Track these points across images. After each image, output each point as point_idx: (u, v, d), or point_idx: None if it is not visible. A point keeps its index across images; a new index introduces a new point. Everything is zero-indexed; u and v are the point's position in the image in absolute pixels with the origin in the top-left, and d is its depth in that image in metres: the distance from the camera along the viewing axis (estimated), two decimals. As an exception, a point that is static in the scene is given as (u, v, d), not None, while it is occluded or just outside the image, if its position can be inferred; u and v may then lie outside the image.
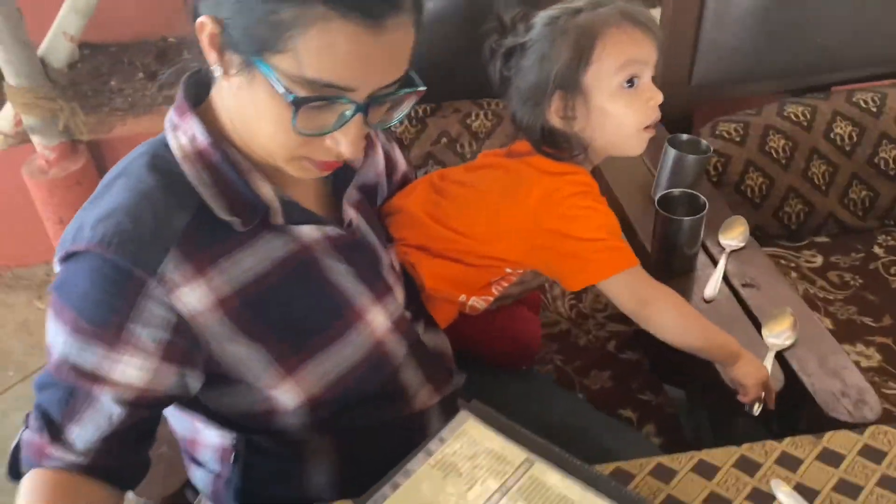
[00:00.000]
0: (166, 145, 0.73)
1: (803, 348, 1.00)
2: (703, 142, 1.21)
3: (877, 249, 1.40)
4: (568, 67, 0.86)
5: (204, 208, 0.72)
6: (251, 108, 0.68)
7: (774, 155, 1.42)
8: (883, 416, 1.08)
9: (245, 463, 0.85)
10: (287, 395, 0.78)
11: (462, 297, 0.96)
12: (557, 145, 0.91)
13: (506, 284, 0.98)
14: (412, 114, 1.40)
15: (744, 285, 1.10)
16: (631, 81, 0.87)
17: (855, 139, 1.43)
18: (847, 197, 1.44)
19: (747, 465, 0.77)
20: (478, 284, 0.96)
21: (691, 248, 1.10)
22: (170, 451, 0.93)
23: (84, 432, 0.72)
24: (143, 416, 0.74)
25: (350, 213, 0.85)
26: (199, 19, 0.65)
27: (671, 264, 1.12)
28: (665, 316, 0.91)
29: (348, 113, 0.66)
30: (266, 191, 0.74)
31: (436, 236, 0.94)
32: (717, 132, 1.43)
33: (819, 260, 1.39)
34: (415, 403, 0.89)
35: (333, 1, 0.60)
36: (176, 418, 0.88)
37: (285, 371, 0.77)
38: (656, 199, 1.10)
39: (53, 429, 0.72)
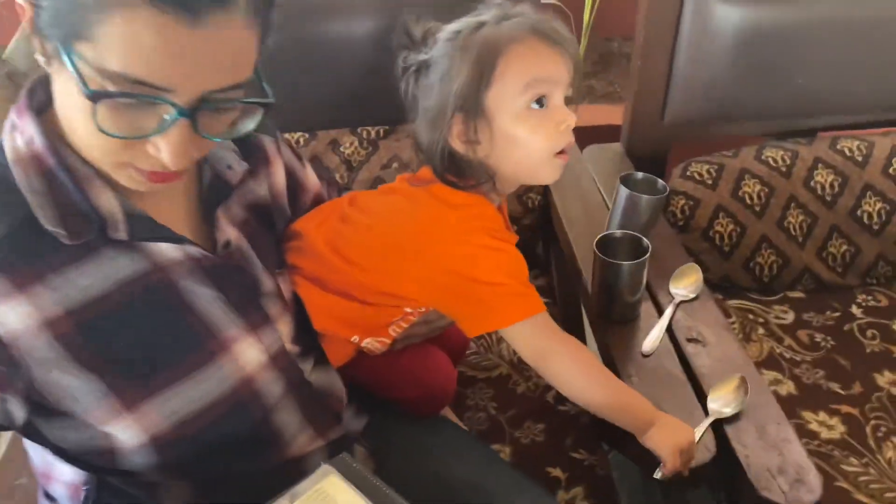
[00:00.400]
0: (1, 149, 0.66)
1: (744, 416, 0.90)
2: (660, 181, 1.12)
3: (854, 309, 1.29)
4: (468, 87, 0.78)
5: (31, 218, 0.64)
6: (68, 105, 0.60)
7: (748, 201, 1.32)
8: (835, 496, 0.98)
9: (96, 503, 0.77)
10: (126, 434, 0.70)
11: (355, 338, 0.88)
12: (461, 172, 0.83)
13: (405, 325, 0.90)
14: (364, 135, 1.34)
15: (689, 340, 1.01)
16: (540, 102, 0.79)
17: (837, 189, 1.33)
18: (825, 251, 1.34)
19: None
20: (373, 325, 0.88)
21: (632, 295, 1.01)
22: (28, 483, 0.85)
23: None
24: None
25: (228, 233, 0.77)
26: (18, 0, 0.58)
27: (611, 311, 1.03)
28: (564, 370, 0.83)
29: (168, 117, 0.58)
30: (106, 201, 0.66)
31: (331, 268, 0.85)
32: (688, 173, 1.34)
33: (790, 316, 1.28)
34: (291, 448, 0.81)
35: None
36: (33, 449, 0.80)
37: (122, 406, 0.69)
38: (595, 241, 1.01)
39: None
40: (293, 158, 0.92)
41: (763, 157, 1.34)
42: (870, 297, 1.32)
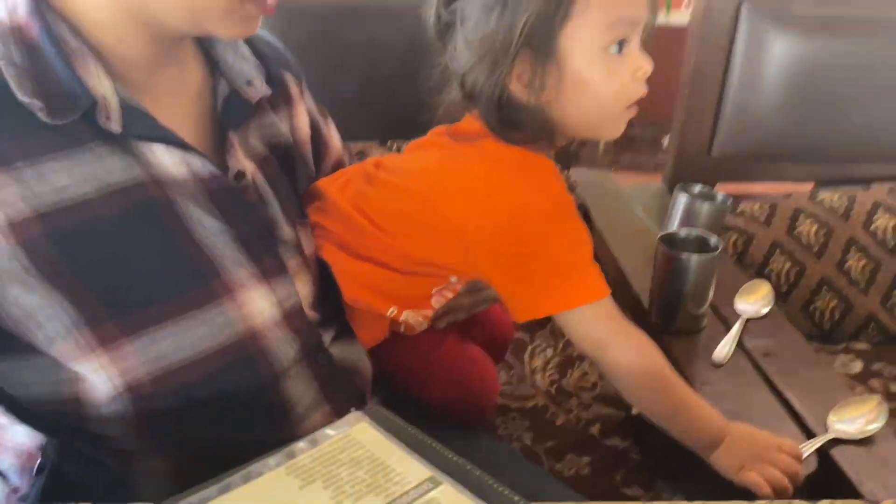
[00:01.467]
0: None
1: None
2: (721, 194, 1.03)
3: (929, 364, 1.16)
4: (540, 19, 0.67)
5: (5, 93, 0.53)
6: None
7: (804, 240, 1.22)
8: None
9: (53, 475, 0.61)
10: (98, 377, 0.56)
11: (392, 311, 0.75)
12: (517, 123, 0.71)
13: (450, 295, 0.77)
14: (393, 148, 1.25)
15: (766, 355, 0.87)
16: (619, 45, 0.69)
17: (900, 235, 1.23)
18: (891, 300, 1.22)
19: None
20: (412, 295, 0.76)
21: (699, 299, 0.89)
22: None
23: None
24: None
25: (244, 164, 0.66)
26: None
27: (674, 321, 0.90)
28: (624, 364, 0.71)
29: None
30: (99, 82, 0.56)
31: (360, 232, 0.74)
32: (738, 210, 1.24)
33: (858, 365, 1.15)
34: (303, 426, 0.66)
35: None
36: None
37: (96, 341, 0.55)
38: (659, 236, 0.90)
39: None
40: (315, 109, 0.82)
41: (818, 199, 1.26)
42: (942, 353, 1.19)
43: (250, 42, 0.71)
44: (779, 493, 0.67)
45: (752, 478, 0.68)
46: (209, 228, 0.61)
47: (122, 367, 0.56)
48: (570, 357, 1.13)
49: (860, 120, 1.26)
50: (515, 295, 0.72)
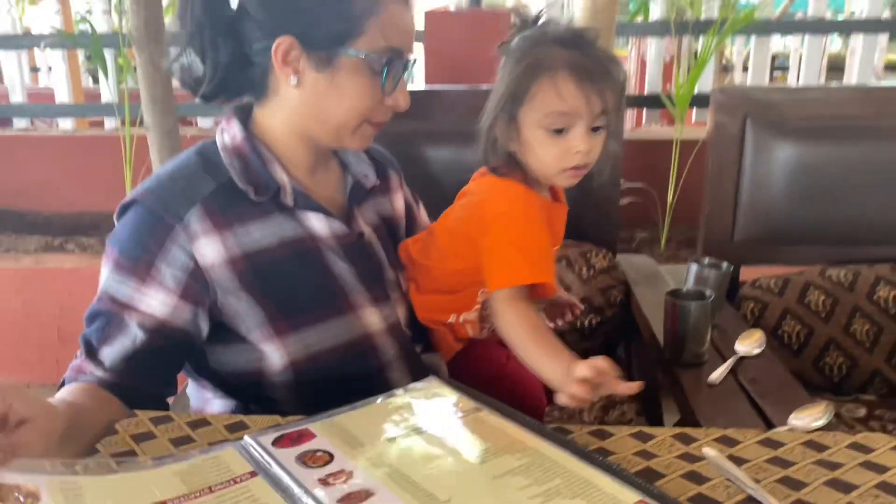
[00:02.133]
0: (213, 142, 0.96)
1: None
2: (724, 263, 1.30)
3: (929, 411, 1.34)
4: (509, 96, 0.92)
5: (230, 183, 0.92)
6: (331, 93, 0.90)
7: (814, 307, 1.45)
8: None
9: None
10: (274, 356, 0.91)
11: (452, 317, 1.05)
12: (501, 158, 0.97)
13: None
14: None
15: (751, 380, 1.12)
16: (560, 130, 0.92)
17: (900, 304, 1.45)
18: (894, 358, 1.42)
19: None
20: (461, 303, 1.04)
21: (700, 337, 1.15)
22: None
23: (112, 351, 0.88)
24: (160, 344, 0.88)
25: (363, 227, 1.02)
26: (277, 41, 0.87)
27: (682, 355, 1.16)
28: (505, 319, 0.93)
29: (401, 72, 0.92)
30: (281, 176, 0.94)
31: (422, 272, 1.05)
32: (756, 284, 1.50)
33: (862, 411, 1.35)
34: None
35: None
36: (193, 394, 1.01)
37: (274, 332, 0.91)
38: (666, 291, 1.18)
39: (91, 351, 0.88)
40: (410, 196, 1.18)
41: (826, 275, 1.50)
42: (944, 404, 1.37)
43: (367, 150, 1.09)
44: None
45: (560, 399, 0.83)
46: (340, 267, 0.96)
47: (289, 349, 0.91)
48: (612, 399, 1.39)
49: (856, 209, 1.51)
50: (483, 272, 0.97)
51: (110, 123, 3.49)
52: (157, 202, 0.89)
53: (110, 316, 0.88)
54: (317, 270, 0.95)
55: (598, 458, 0.69)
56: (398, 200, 1.14)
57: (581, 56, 0.92)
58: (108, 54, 3.22)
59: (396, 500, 0.63)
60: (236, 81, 0.94)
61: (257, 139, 0.95)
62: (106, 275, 0.90)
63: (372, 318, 0.98)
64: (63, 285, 2.65)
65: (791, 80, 6.17)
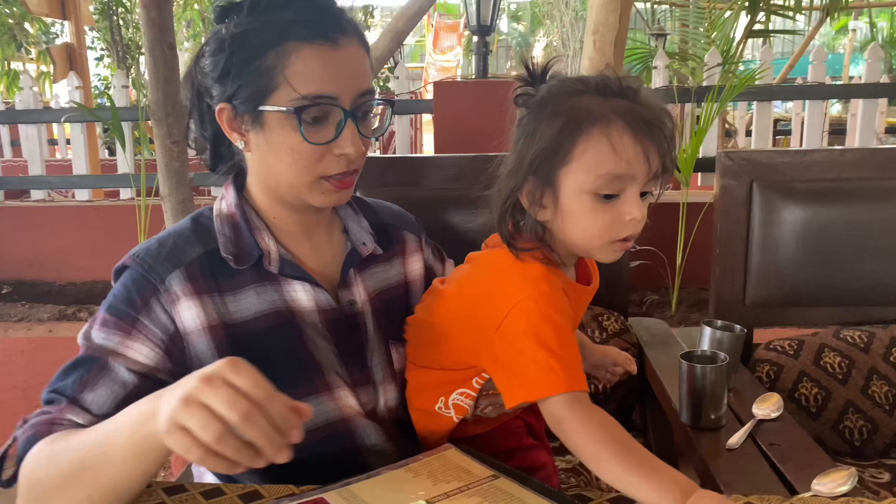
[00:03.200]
0: (211, 209, 0.97)
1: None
2: (737, 326, 1.30)
3: (953, 475, 1.31)
4: (546, 155, 0.80)
5: (217, 251, 0.92)
6: (270, 152, 0.89)
7: (830, 370, 1.44)
8: None
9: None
10: None
11: (440, 403, 0.94)
12: (522, 229, 0.85)
13: (488, 376, 0.91)
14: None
15: (771, 444, 1.10)
16: (609, 197, 0.79)
17: (917, 365, 1.44)
18: (916, 421, 1.40)
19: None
20: (454, 380, 0.93)
21: (716, 400, 1.14)
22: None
23: (98, 397, 0.84)
24: (151, 388, 0.80)
25: (355, 294, 0.98)
26: (217, 107, 0.89)
27: (700, 419, 1.15)
28: (578, 434, 0.78)
29: (342, 121, 0.87)
30: (268, 242, 0.93)
31: (421, 344, 0.97)
32: (770, 346, 1.49)
33: (886, 476, 1.32)
34: None
35: (297, 36, 0.84)
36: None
37: None
38: (680, 354, 1.18)
39: (66, 401, 0.84)
40: (434, 259, 1.14)
41: (841, 336, 1.49)
42: (969, 468, 1.34)
43: (375, 213, 1.08)
44: None
45: None
46: (320, 346, 0.93)
47: None
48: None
49: (866, 270, 1.51)
50: (500, 382, 0.85)
51: (126, 193, 3.57)
52: (142, 265, 0.90)
53: (92, 363, 0.85)
54: (294, 346, 0.92)
55: (619, 526, 0.68)
56: (414, 264, 1.10)
57: (635, 106, 0.79)
58: (125, 127, 3.32)
59: (415, 571, 0.62)
60: (224, 153, 0.97)
61: (249, 205, 0.96)
62: (91, 332, 0.88)
63: (348, 402, 0.94)
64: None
65: (794, 144, 6.26)
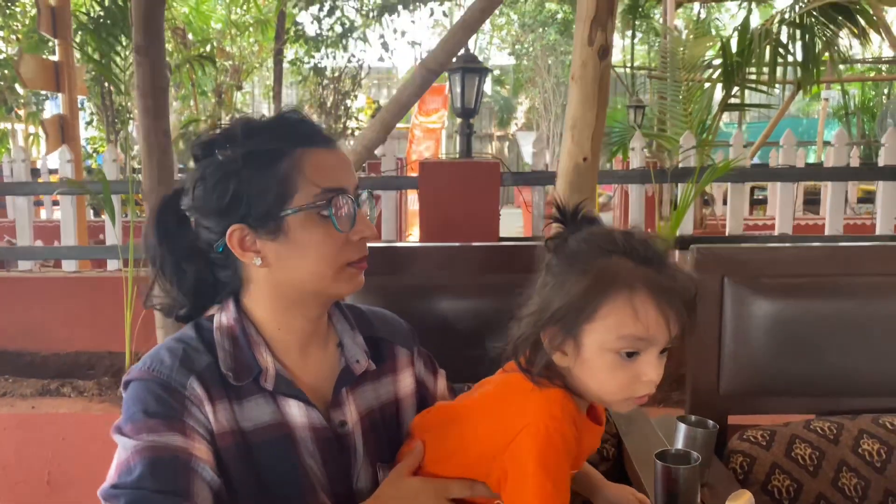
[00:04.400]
0: (210, 319, 1.01)
1: None
2: (711, 422, 1.35)
3: (922, 568, 1.35)
4: (571, 309, 0.84)
5: (215, 365, 0.96)
6: (294, 255, 0.95)
7: (801, 461, 1.49)
8: None
9: None
10: None
11: None
12: (540, 366, 0.89)
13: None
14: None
15: (745, 546, 1.14)
16: (630, 354, 0.83)
17: (884, 456, 1.49)
18: (885, 513, 1.44)
19: None
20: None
21: (690, 501, 1.18)
22: None
23: (203, 498, 0.87)
24: (221, 489, 0.90)
25: (347, 415, 1.01)
26: (228, 232, 0.94)
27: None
28: None
29: (352, 206, 0.97)
30: (266, 359, 0.97)
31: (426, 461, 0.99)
32: (744, 437, 1.54)
33: (858, 570, 1.36)
34: None
35: (304, 143, 0.94)
36: None
37: None
38: (654, 454, 1.23)
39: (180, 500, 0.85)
40: (426, 372, 1.16)
41: (811, 427, 1.54)
42: (937, 561, 1.38)
43: (371, 325, 1.11)
44: None
45: None
46: (312, 460, 0.97)
47: None
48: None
49: (834, 362, 1.58)
50: (506, 499, 0.89)
51: (113, 265, 3.60)
52: (159, 375, 0.93)
53: (173, 463, 0.86)
54: (291, 461, 0.95)
55: None
56: (405, 380, 1.12)
57: (659, 275, 0.84)
58: (115, 199, 3.37)
59: None
60: (212, 293, 1.01)
61: (248, 320, 1.00)
62: (138, 436, 0.88)
63: None
64: (56, 430, 2.65)
65: (770, 211, 6.43)
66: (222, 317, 1.00)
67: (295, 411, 0.97)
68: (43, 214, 6.63)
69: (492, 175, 2.79)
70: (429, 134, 12.40)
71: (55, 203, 4.13)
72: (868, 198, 6.70)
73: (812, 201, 5.89)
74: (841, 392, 1.61)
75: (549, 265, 0.90)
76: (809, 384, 1.61)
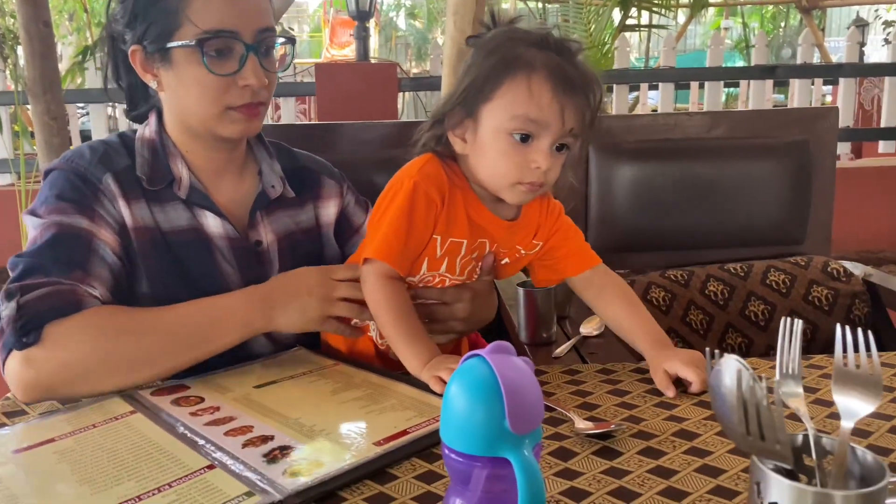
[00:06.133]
0: (135, 130, 1.06)
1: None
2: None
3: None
4: (473, 89, 0.85)
5: (132, 169, 1.01)
6: (180, 88, 0.98)
7: (655, 303, 1.66)
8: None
9: None
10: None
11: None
12: (430, 144, 0.92)
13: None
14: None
15: (590, 353, 1.30)
16: (524, 138, 0.83)
17: (727, 295, 1.68)
18: (724, 342, 1.64)
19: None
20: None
21: (547, 323, 1.33)
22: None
23: (101, 276, 0.92)
24: (120, 275, 0.96)
25: (263, 236, 1.06)
26: (130, 49, 0.98)
27: (533, 337, 1.33)
28: (370, 294, 0.92)
29: (244, 54, 0.95)
30: (180, 170, 1.02)
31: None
32: (664, 274, 1.70)
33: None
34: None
35: None
36: None
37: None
38: (517, 283, 1.36)
39: (81, 273, 0.90)
40: (356, 206, 1.20)
41: (665, 275, 1.72)
42: (765, 378, 1.59)
43: (296, 159, 1.16)
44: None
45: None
46: (226, 270, 1.02)
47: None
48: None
49: (684, 219, 1.75)
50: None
51: (5, 179, 3.49)
52: (77, 167, 0.98)
53: (76, 241, 0.92)
54: (207, 262, 1.01)
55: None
56: (328, 209, 1.16)
57: (563, 63, 0.84)
58: (3, 111, 3.25)
59: (253, 420, 0.76)
60: (139, 98, 1.06)
61: (167, 135, 1.04)
62: (48, 217, 0.93)
63: None
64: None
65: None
66: (145, 130, 1.05)
67: (210, 221, 1.02)
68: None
69: (389, 77, 2.84)
70: (341, 67, 12.21)
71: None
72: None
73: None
74: (691, 246, 1.80)
75: (467, 60, 0.90)
76: (666, 240, 1.78)
